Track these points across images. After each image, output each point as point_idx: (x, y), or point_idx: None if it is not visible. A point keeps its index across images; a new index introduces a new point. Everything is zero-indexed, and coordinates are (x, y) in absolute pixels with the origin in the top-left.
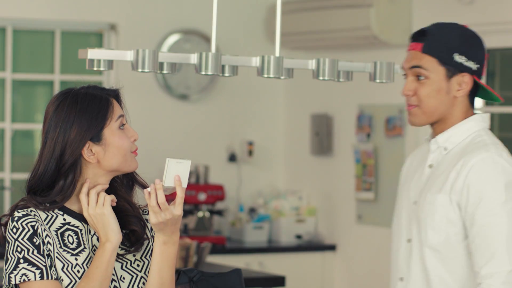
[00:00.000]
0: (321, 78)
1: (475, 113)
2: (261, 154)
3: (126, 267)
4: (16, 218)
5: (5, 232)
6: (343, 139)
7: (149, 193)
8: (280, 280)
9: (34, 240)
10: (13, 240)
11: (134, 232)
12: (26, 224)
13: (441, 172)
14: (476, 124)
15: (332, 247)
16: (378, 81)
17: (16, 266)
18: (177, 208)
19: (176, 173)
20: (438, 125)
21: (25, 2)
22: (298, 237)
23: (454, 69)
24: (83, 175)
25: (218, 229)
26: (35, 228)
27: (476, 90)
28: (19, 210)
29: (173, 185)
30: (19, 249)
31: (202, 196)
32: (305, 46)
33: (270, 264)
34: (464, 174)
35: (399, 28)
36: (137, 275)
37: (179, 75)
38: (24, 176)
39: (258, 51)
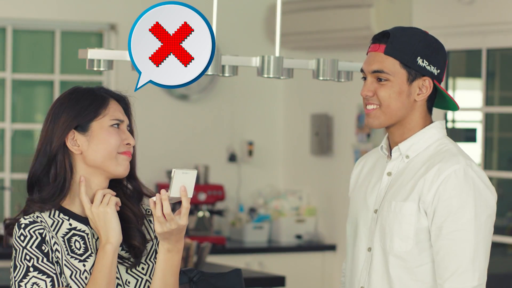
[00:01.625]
0: (321, 78)
1: (432, 120)
2: (261, 154)
3: (131, 271)
4: (23, 225)
5: (13, 238)
6: (343, 139)
7: (154, 203)
8: (280, 280)
9: (43, 247)
10: (21, 248)
11: (134, 247)
12: (34, 232)
13: (407, 180)
14: (438, 132)
15: (332, 247)
16: None
17: (25, 275)
18: (183, 219)
19: (182, 183)
20: (395, 129)
21: (25, 2)
22: (298, 237)
23: (416, 72)
24: (75, 170)
25: (218, 229)
26: (43, 235)
27: (434, 96)
28: (26, 217)
29: (178, 196)
30: (28, 257)
31: (202, 196)
32: (305, 46)
33: (270, 264)
34: (436, 185)
35: None
36: (142, 278)
37: None
38: (24, 176)
39: (258, 51)
